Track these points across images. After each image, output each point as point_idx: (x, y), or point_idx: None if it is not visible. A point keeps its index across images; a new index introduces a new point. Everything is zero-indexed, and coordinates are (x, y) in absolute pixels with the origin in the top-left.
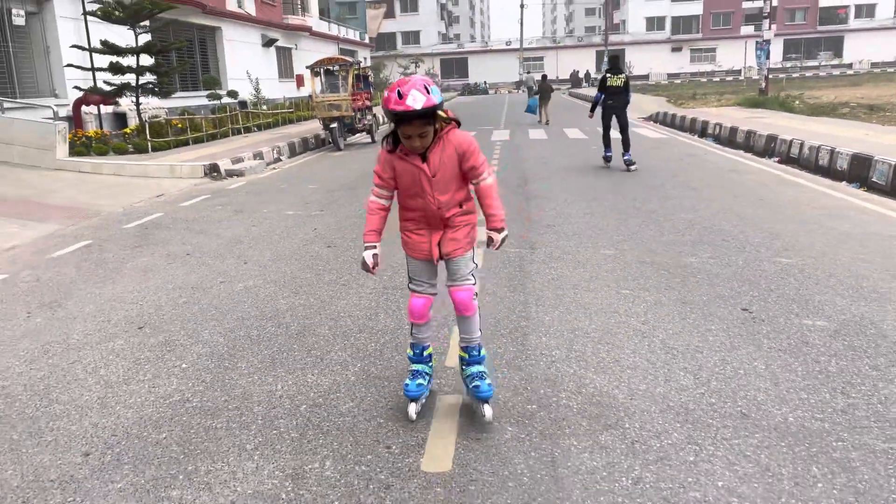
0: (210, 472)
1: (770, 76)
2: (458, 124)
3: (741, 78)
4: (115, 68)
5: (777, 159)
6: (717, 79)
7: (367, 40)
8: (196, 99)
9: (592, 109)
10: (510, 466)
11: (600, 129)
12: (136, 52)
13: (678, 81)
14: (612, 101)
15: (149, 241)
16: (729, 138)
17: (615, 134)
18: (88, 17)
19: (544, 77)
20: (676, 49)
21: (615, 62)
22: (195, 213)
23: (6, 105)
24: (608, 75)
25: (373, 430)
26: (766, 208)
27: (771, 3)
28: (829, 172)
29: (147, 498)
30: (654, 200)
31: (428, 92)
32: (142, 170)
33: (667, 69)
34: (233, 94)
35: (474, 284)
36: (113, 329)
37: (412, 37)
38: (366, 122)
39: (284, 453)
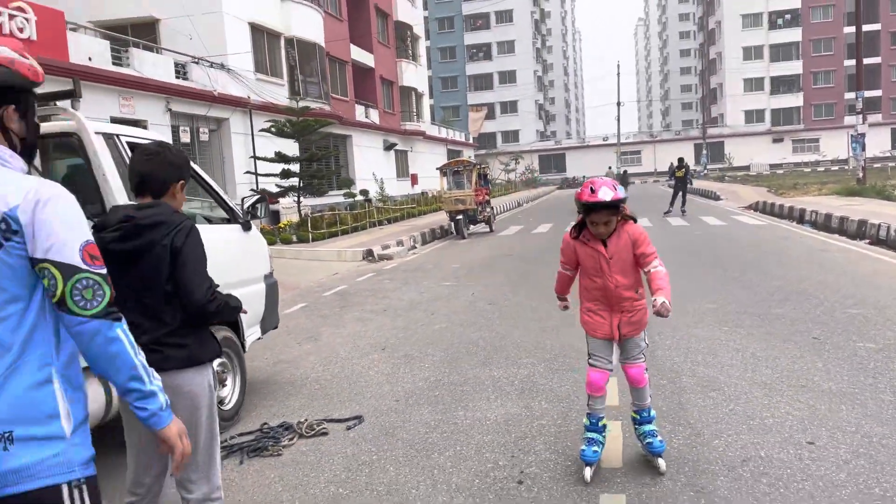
0: (476, 406)
1: (878, 164)
2: (635, 220)
3: (847, 167)
4: (286, 174)
5: (867, 241)
6: (822, 168)
7: (470, 140)
8: (334, 197)
9: (669, 178)
10: (654, 402)
11: (703, 218)
12: (300, 160)
13: (780, 172)
14: (678, 183)
15: (349, 303)
16: (824, 224)
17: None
18: (260, 133)
19: (625, 171)
20: (777, 140)
21: (681, 161)
22: (371, 285)
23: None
24: (675, 169)
25: (566, 390)
26: (846, 277)
27: (861, 101)
28: None
29: (445, 415)
30: (749, 272)
31: (615, 189)
32: (314, 254)
33: (768, 160)
34: (364, 192)
35: (644, 360)
36: (364, 349)
37: (511, 136)
38: (486, 214)
39: (515, 399)
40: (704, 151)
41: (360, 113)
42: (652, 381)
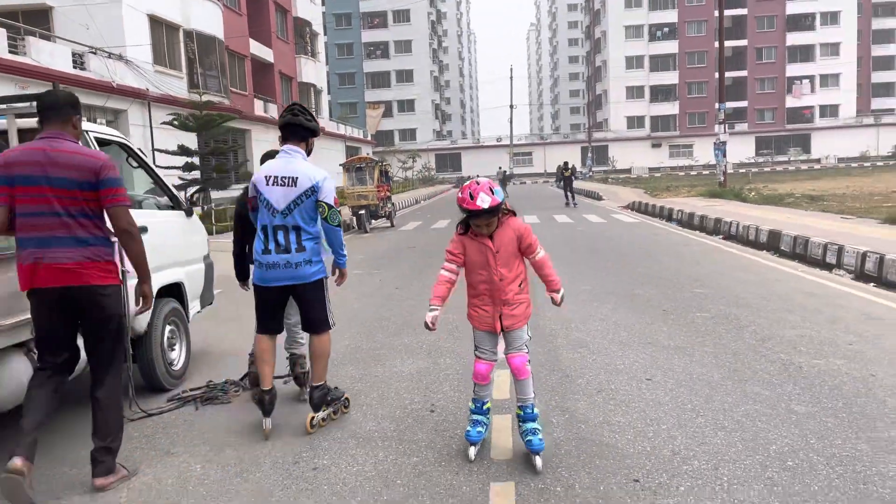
0: (392, 364)
1: (743, 170)
2: (514, 214)
3: (716, 172)
4: (190, 167)
5: (721, 236)
6: (695, 172)
7: (368, 137)
8: (235, 191)
9: (557, 181)
10: (535, 357)
11: (586, 216)
12: (204, 154)
13: (658, 175)
14: (565, 182)
15: None
16: (688, 221)
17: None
18: (161, 125)
19: (504, 172)
20: (656, 145)
21: (566, 164)
22: None
23: None
24: (563, 171)
25: (467, 349)
26: (698, 266)
27: (724, 112)
28: (755, 244)
29: (367, 371)
30: (620, 262)
31: (493, 193)
32: (221, 246)
33: (648, 163)
34: None
35: (527, 352)
36: None
37: (409, 134)
38: (387, 209)
39: (424, 357)
40: (590, 154)
41: (259, 108)
42: (534, 340)
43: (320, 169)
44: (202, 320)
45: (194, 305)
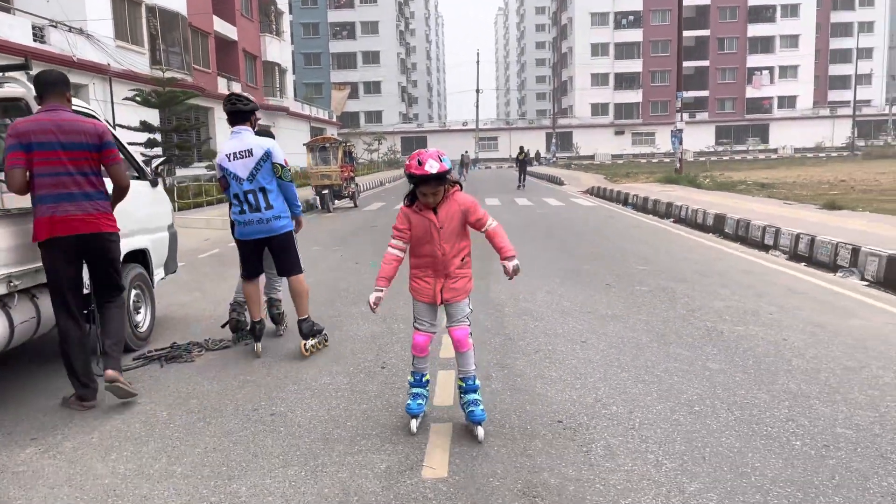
0: (348, 329)
1: (703, 158)
2: (461, 187)
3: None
4: (152, 143)
5: (672, 220)
6: (656, 160)
7: (333, 118)
8: (197, 169)
9: (515, 165)
10: (483, 324)
11: (546, 199)
12: (165, 131)
13: (621, 162)
14: (520, 165)
15: (226, 263)
16: (642, 206)
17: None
18: (123, 101)
19: (466, 153)
20: (619, 132)
21: (521, 149)
22: None
23: None
24: (519, 155)
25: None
26: (646, 246)
27: (681, 100)
28: (702, 227)
29: (332, 331)
30: (573, 242)
31: (440, 160)
32: (184, 223)
33: (611, 150)
34: None
35: (469, 325)
36: None
37: (374, 116)
38: (351, 190)
39: (379, 323)
40: (554, 140)
41: (222, 85)
42: (483, 309)
43: (267, 139)
44: (166, 289)
45: (159, 272)
